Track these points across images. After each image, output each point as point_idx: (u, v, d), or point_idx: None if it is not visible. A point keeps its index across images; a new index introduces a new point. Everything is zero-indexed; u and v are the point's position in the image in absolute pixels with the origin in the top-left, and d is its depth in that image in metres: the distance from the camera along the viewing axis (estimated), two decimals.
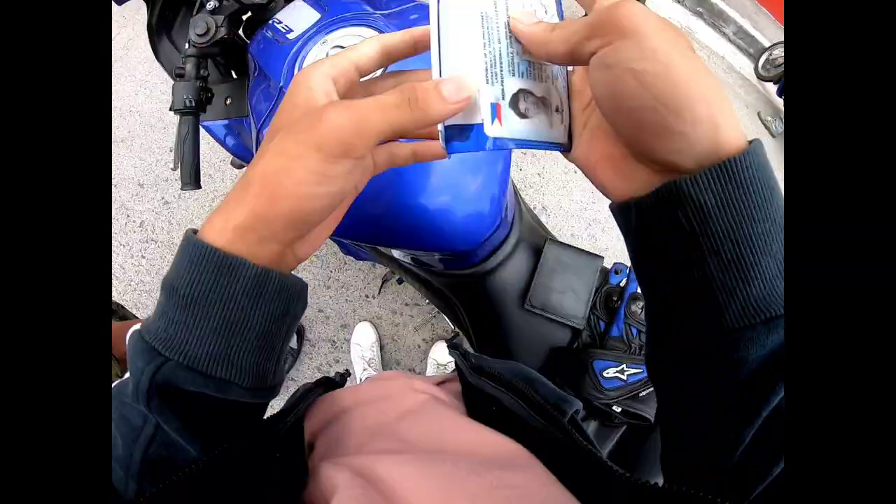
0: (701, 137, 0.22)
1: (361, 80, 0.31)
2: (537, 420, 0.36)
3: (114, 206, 1.78)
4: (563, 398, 0.45)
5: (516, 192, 0.84)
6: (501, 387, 0.41)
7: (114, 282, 1.68)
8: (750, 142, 0.23)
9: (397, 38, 0.30)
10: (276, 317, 0.28)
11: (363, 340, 1.61)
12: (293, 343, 1.59)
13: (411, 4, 0.67)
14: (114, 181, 1.82)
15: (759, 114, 3.45)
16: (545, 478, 0.30)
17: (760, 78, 3.93)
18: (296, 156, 0.25)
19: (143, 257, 1.72)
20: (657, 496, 0.23)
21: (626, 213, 0.27)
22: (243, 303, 0.26)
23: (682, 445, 0.29)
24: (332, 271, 1.74)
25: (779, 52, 3.64)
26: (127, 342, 0.28)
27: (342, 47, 0.62)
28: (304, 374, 1.64)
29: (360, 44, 0.29)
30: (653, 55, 0.21)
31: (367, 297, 1.72)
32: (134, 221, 1.76)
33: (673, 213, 0.23)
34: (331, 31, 0.64)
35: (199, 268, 0.26)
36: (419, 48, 0.30)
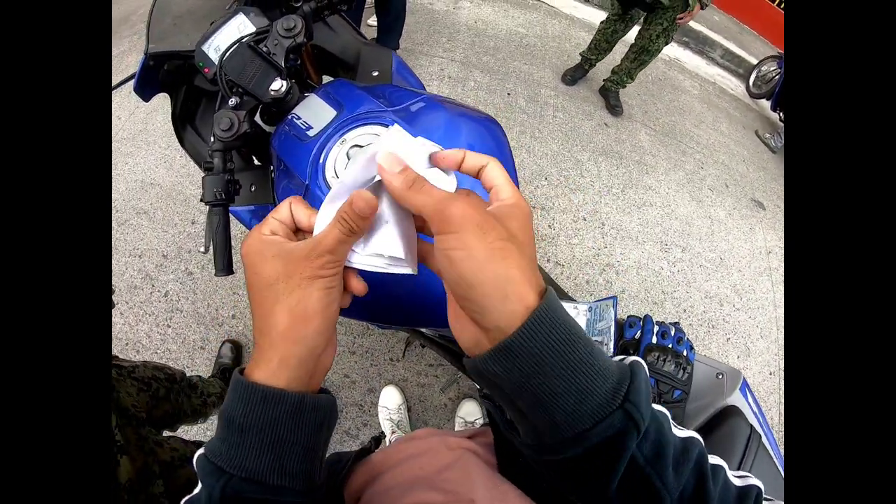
0: (489, 306, 0.30)
1: None
2: None
3: (139, 276, 1.85)
4: None
5: None
6: None
7: (140, 349, 1.73)
8: (525, 323, 0.29)
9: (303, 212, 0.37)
10: (314, 430, 0.34)
11: (390, 403, 1.64)
12: None
13: (417, 99, 0.73)
14: (138, 251, 1.90)
15: (756, 132, 3.51)
16: None
17: (753, 96, 4.00)
18: (306, 286, 0.34)
19: (169, 326, 1.78)
20: None
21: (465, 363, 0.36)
22: (288, 424, 0.33)
23: None
24: (355, 337, 1.79)
25: (767, 68, 3.72)
26: (195, 464, 0.34)
27: (360, 146, 0.68)
28: (333, 438, 1.64)
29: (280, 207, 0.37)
30: (463, 245, 0.30)
31: (391, 360, 1.77)
32: (159, 291, 1.83)
33: (480, 374, 0.32)
34: (348, 130, 0.69)
35: (250, 401, 0.33)
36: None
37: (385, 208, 0.37)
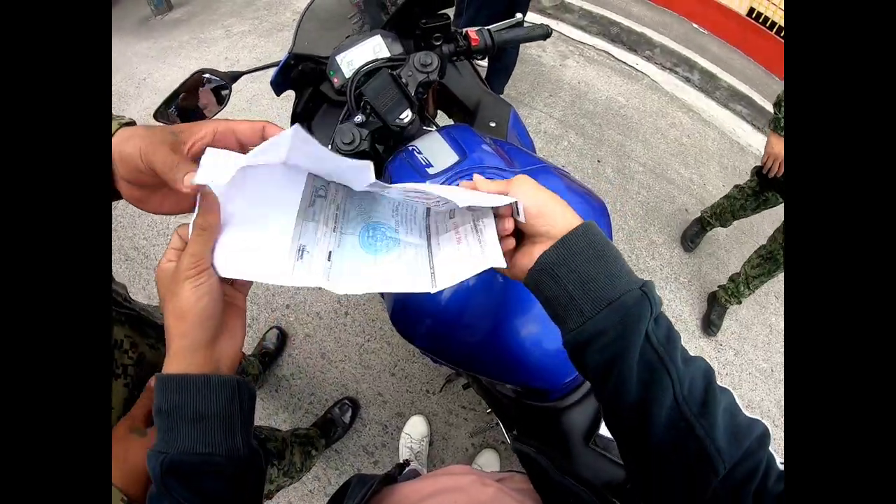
0: (556, 223, 0.46)
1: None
2: None
3: None
4: None
5: None
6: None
7: None
8: (576, 227, 0.46)
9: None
10: (227, 402, 0.41)
11: (414, 432, 1.65)
12: (346, 417, 1.67)
13: (539, 165, 0.77)
14: None
15: None
16: None
17: None
18: (178, 290, 0.40)
19: None
20: None
21: (529, 277, 0.48)
22: (199, 400, 0.39)
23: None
24: (399, 360, 1.84)
25: None
26: (147, 463, 0.40)
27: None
28: (349, 449, 1.69)
29: (173, 238, 0.44)
30: (531, 194, 0.47)
31: (427, 392, 1.79)
32: None
33: (544, 267, 0.45)
34: (469, 179, 0.74)
35: (167, 390, 0.39)
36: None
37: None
